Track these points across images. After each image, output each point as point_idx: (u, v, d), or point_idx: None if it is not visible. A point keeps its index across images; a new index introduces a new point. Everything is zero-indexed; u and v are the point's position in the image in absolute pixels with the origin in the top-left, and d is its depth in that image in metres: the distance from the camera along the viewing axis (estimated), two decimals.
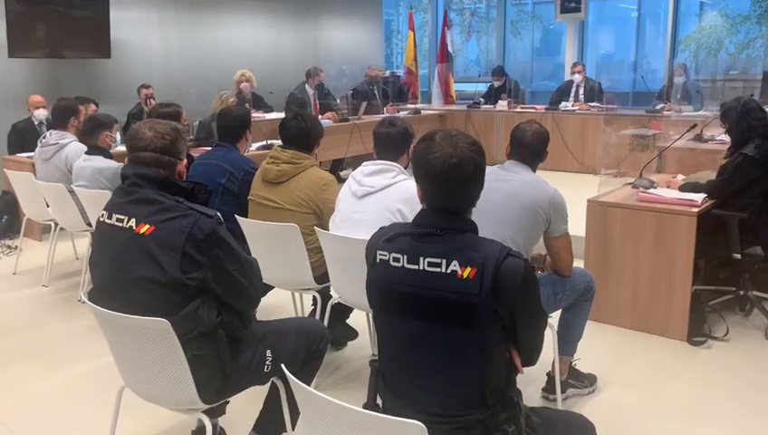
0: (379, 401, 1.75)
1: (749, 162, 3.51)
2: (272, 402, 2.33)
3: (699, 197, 3.53)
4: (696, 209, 3.43)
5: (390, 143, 2.83)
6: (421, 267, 1.60)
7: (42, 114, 5.88)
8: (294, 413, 2.21)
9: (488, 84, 9.60)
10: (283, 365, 1.69)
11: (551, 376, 2.89)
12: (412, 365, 1.65)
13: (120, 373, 2.16)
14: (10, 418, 2.87)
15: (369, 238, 1.77)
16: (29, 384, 3.18)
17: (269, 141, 6.05)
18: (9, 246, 5.38)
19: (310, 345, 2.30)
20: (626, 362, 3.32)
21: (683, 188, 3.70)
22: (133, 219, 1.96)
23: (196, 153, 4.23)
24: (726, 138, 4.03)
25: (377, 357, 1.78)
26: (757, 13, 9.95)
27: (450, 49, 10.53)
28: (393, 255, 1.64)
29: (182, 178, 2.13)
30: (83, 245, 4.81)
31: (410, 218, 1.73)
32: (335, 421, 1.50)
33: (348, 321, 3.40)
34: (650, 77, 10.38)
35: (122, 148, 4.27)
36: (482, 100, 9.23)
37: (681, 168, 4.61)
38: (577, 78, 8.57)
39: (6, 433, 2.76)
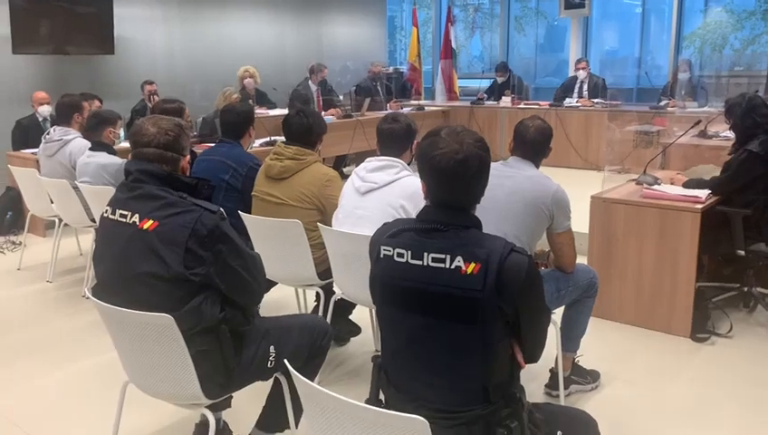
0: (381, 396, 1.76)
1: (753, 158, 3.50)
2: (275, 398, 2.34)
3: (703, 193, 3.52)
4: (699, 206, 3.42)
5: (393, 139, 2.83)
6: (425, 263, 1.60)
7: (46, 110, 5.88)
8: (297, 409, 2.22)
9: (491, 80, 9.58)
10: (286, 361, 1.69)
11: (554, 372, 2.89)
12: (415, 361, 1.65)
13: (123, 369, 2.17)
14: (14, 413, 2.88)
15: (372, 234, 1.77)
16: (33, 380, 3.20)
17: (272, 138, 6.04)
18: (13, 242, 5.40)
19: (313, 342, 2.30)
20: (629, 359, 3.32)
21: (687, 185, 3.70)
22: (136, 215, 1.97)
23: (199, 149, 4.24)
24: (731, 134, 4.02)
25: (379, 353, 1.79)
26: (762, 8, 9.91)
27: (454, 45, 10.51)
28: (397, 250, 1.64)
29: (185, 174, 2.13)
30: (87, 241, 4.82)
31: (413, 214, 1.73)
32: (338, 417, 1.50)
33: (351, 317, 3.41)
34: (654, 73, 10.35)
35: (126, 144, 4.29)
36: (485, 96, 9.22)
37: (685, 164, 4.59)
38: (581, 74, 8.55)
39: (10, 428, 2.77)
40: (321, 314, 3.05)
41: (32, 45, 6.76)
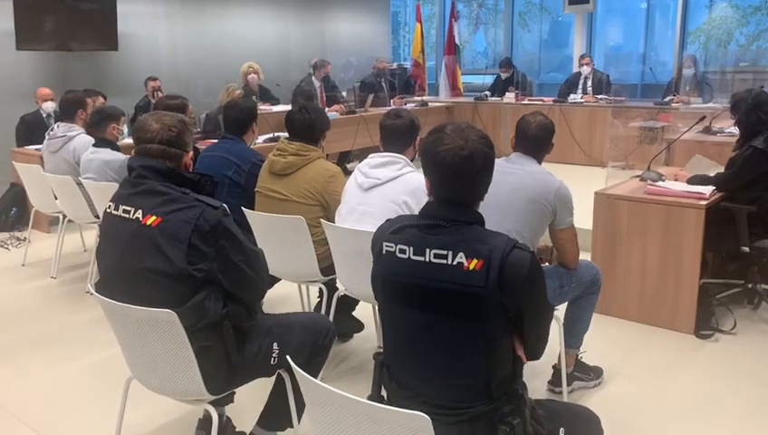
0: (384, 392, 1.76)
1: (758, 155, 3.49)
2: (277, 395, 2.34)
3: (708, 189, 3.51)
4: (704, 202, 3.41)
5: (397, 135, 2.82)
6: (427, 259, 1.59)
7: (50, 107, 5.90)
8: (300, 406, 2.22)
9: (495, 76, 9.56)
10: (288, 357, 1.69)
11: (557, 369, 2.89)
12: (417, 357, 1.65)
13: (127, 365, 2.17)
14: (17, 408, 2.89)
15: (375, 230, 1.77)
16: (36, 375, 3.21)
17: (276, 134, 6.04)
18: (18, 238, 5.41)
19: (316, 340, 2.30)
20: (632, 356, 3.31)
21: (691, 181, 3.68)
22: (140, 211, 1.97)
23: (202, 146, 4.24)
24: (735, 130, 4.00)
25: (382, 349, 1.78)
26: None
27: (457, 41, 10.49)
28: (399, 246, 1.64)
29: (188, 170, 2.13)
30: (91, 236, 4.84)
31: (416, 210, 1.72)
32: (340, 413, 1.50)
33: (354, 313, 3.41)
34: (659, 69, 10.31)
35: (129, 140, 4.30)
36: (488, 93, 9.18)
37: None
38: (585, 70, 8.51)
39: (14, 423, 2.78)
40: (324, 310, 3.06)
41: (35, 41, 6.77)
